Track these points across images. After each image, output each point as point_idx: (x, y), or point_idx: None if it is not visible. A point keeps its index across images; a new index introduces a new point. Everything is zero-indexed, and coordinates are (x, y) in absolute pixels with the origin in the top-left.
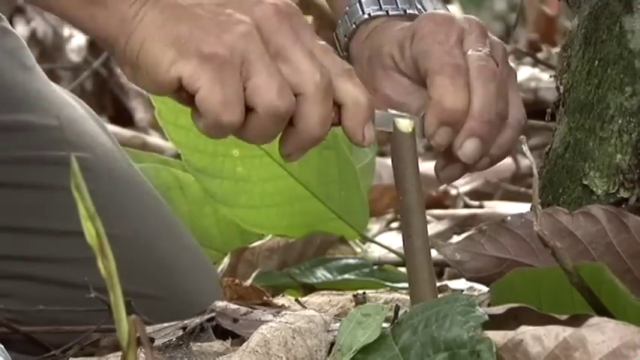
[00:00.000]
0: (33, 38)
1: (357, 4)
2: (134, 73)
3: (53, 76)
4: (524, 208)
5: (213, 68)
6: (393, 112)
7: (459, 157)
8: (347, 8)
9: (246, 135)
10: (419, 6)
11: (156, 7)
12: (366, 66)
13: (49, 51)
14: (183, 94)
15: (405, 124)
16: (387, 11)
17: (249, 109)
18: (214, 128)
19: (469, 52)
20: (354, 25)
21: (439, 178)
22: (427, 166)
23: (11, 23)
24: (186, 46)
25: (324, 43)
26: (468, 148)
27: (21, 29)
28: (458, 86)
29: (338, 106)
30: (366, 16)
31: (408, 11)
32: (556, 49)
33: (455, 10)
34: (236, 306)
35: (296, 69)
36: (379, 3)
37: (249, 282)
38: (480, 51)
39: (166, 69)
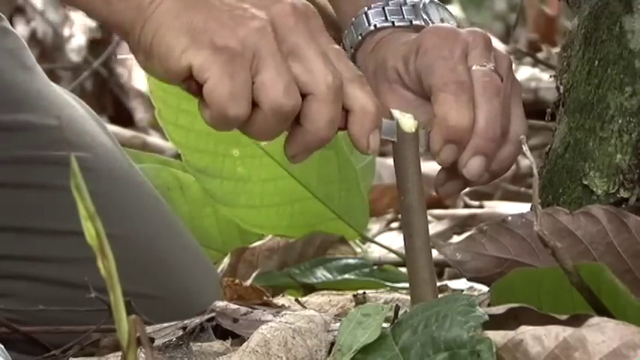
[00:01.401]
0: (33, 38)
1: (364, 15)
2: (146, 60)
3: (53, 76)
4: (524, 208)
5: (224, 60)
6: (396, 111)
7: (462, 174)
8: (353, 19)
9: (250, 130)
10: (425, 16)
11: None
12: (371, 79)
13: (49, 51)
14: (193, 84)
15: (408, 124)
16: (393, 22)
17: (255, 105)
18: (219, 120)
19: (473, 68)
20: (359, 37)
21: (439, 193)
22: (428, 166)
23: (11, 23)
24: (200, 36)
25: (338, 47)
26: (473, 165)
27: (21, 29)
28: (462, 103)
29: (345, 111)
30: (372, 27)
31: (414, 22)
32: (556, 49)
33: (455, 10)
34: (236, 306)
35: (308, 68)
36: (385, 14)
37: (249, 282)
38: (485, 66)
39: (178, 57)
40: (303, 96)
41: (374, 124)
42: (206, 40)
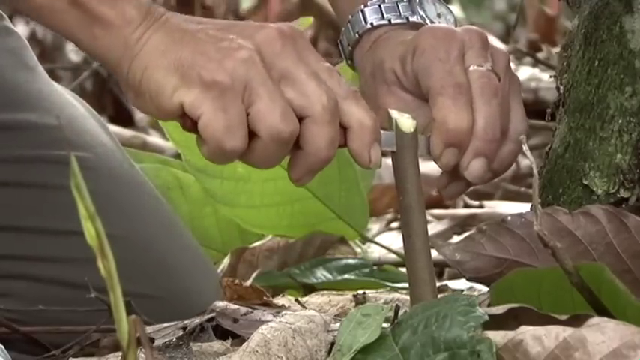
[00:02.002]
0: (33, 38)
1: (360, 13)
2: (136, 97)
3: (53, 76)
4: (524, 208)
5: (215, 95)
6: (394, 112)
7: (464, 177)
8: (350, 17)
9: (251, 160)
10: (421, 12)
11: (159, 31)
12: (369, 80)
13: (49, 51)
14: (187, 121)
15: (406, 125)
16: (389, 20)
17: (253, 135)
18: (217, 154)
19: (470, 68)
20: (357, 35)
21: (442, 195)
22: (427, 166)
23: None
24: (188, 72)
25: (328, 65)
26: (474, 168)
27: (21, 29)
28: (460, 106)
29: (343, 129)
30: (368, 25)
31: (410, 19)
32: (556, 49)
33: (455, 10)
34: (236, 306)
35: (302, 91)
36: (381, 11)
37: (249, 282)
38: (482, 66)
39: (169, 96)
40: (300, 119)
41: (373, 138)
42: (195, 76)
